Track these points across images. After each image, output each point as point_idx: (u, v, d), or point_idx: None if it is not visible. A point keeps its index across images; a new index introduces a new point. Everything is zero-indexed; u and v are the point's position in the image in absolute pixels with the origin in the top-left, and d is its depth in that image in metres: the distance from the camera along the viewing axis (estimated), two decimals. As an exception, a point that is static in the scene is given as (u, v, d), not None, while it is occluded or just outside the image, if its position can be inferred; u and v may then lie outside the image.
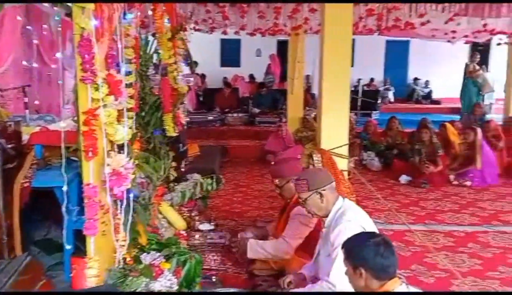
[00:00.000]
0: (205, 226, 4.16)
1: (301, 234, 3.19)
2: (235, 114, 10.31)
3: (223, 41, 15.48)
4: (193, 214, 4.28)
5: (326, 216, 2.69)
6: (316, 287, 2.52)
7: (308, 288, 2.60)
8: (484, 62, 13.07)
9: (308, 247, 3.10)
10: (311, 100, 11.65)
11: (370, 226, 2.59)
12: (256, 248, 3.32)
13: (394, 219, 4.93)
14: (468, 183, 6.40)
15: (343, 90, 4.46)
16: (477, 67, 10.89)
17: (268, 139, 8.12)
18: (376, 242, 1.90)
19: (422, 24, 7.30)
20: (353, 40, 5.33)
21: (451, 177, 6.54)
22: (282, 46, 13.49)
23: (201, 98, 11.48)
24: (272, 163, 3.39)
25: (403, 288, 1.92)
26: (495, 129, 7.39)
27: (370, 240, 1.92)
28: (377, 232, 2.40)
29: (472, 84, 10.39)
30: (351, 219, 2.55)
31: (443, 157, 6.63)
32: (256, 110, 10.61)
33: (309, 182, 2.66)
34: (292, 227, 3.20)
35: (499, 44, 8.50)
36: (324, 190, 2.65)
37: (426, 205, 5.51)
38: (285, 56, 9.53)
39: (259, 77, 14.09)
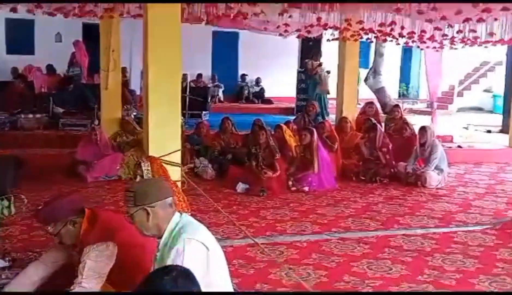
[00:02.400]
0: (-2, 263, 3.68)
1: (101, 272, 2.98)
2: (30, 116, 9.56)
3: (9, 22, 14.12)
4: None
5: (160, 237, 2.61)
6: None
7: None
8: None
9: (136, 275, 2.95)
10: (130, 97, 11.40)
11: (212, 243, 2.59)
12: None
13: (234, 233, 5.07)
14: (306, 188, 6.94)
15: (173, 85, 4.47)
16: (315, 63, 12.04)
17: (78, 147, 7.67)
18: (173, 277, 1.91)
19: (255, 14, 7.69)
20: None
21: (290, 183, 7.02)
22: (89, 31, 12.90)
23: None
24: (39, 207, 3.10)
25: None
26: (330, 130, 8.20)
27: (165, 277, 1.93)
28: (218, 248, 2.44)
29: (312, 83, 11.42)
30: (190, 236, 2.52)
31: (280, 161, 7.09)
32: (60, 110, 10.00)
33: (136, 196, 2.60)
34: (89, 267, 2.97)
35: (329, 40, 9.44)
36: (152, 207, 2.59)
37: (266, 214, 5.81)
38: (94, 43, 9.10)
39: (60, 69, 13.22)
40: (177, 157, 4.54)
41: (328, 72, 12.12)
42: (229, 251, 4.51)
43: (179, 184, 4.42)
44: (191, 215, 4.11)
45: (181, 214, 2.69)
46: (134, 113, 10.07)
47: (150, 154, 4.34)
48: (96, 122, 8.46)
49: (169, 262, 2.47)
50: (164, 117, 4.42)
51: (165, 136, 4.42)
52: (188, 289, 1.88)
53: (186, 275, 1.93)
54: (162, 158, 4.25)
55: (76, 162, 7.41)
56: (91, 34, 11.72)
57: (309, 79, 12.72)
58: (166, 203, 2.65)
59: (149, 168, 3.85)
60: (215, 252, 2.56)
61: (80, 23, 13.49)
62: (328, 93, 12.02)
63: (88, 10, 7.53)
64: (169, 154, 4.33)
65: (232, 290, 2.78)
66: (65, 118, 9.68)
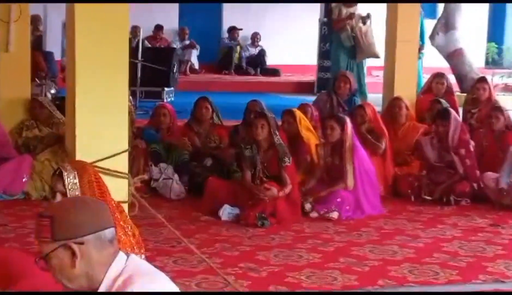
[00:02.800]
0: None
1: None
2: None
3: None
4: None
5: (94, 289, 2.63)
6: None
7: None
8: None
9: None
10: (45, 65, 11.40)
11: None
12: None
13: (215, 285, 5.11)
14: (335, 215, 6.94)
15: (118, 47, 4.52)
16: (348, 12, 11.94)
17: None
18: None
19: None
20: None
21: (307, 205, 7.01)
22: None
23: None
24: None
25: None
26: (374, 119, 8.20)
27: None
28: None
29: (339, 44, 11.34)
30: (143, 289, 2.55)
31: (291, 170, 7.07)
32: None
33: (55, 225, 2.58)
34: None
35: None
36: (81, 244, 2.59)
37: (269, 258, 5.81)
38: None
39: None
40: (123, 163, 4.54)
41: (365, 19, 12.01)
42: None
43: (125, 207, 4.40)
44: (145, 258, 4.15)
45: (127, 256, 2.70)
46: (53, 91, 10.08)
47: (78, 157, 4.32)
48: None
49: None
50: (100, 98, 4.43)
51: (102, 128, 4.42)
52: None
53: None
54: (98, 164, 4.24)
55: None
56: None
57: (334, 37, 12.63)
58: (104, 237, 2.65)
59: (76, 181, 3.83)
60: None
61: None
62: (377, 57, 12.01)
63: None
64: (109, 157, 4.33)
65: None
66: None
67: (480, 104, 9.08)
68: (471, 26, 14.97)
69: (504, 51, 20.01)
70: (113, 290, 2.61)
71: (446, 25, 13.92)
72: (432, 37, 14.04)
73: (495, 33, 20.18)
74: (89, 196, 3.83)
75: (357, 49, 11.99)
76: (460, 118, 8.28)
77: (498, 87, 14.08)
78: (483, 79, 9.84)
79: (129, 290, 2.57)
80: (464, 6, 14.02)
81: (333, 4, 12.62)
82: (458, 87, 12.95)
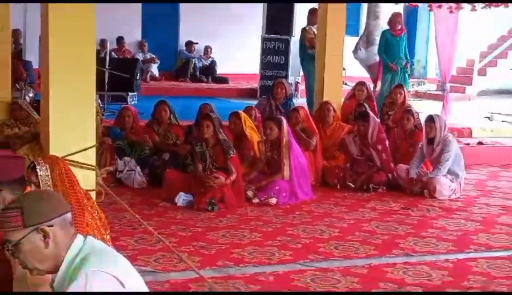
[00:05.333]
0: None
1: None
2: None
3: None
4: None
5: (56, 271, 2.58)
6: None
7: None
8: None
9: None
10: (24, 73, 11.25)
11: (131, 278, 2.57)
12: None
13: (171, 263, 5.06)
14: (274, 200, 6.98)
15: (86, 56, 4.49)
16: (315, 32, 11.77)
17: None
18: None
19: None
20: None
21: (250, 193, 7.04)
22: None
23: None
24: None
25: None
26: (306, 120, 8.25)
27: None
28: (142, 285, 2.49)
29: (311, 59, 11.21)
30: (96, 267, 2.48)
31: (236, 162, 7.08)
32: None
33: (25, 212, 2.53)
34: None
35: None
36: (51, 226, 2.55)
37: (217, 237, 5.82)
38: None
39: None
40: (91, 157, 4.49)
41: None
42: (165, 288, 4.51)
43: (93, 195, 4.35)
44: (110, 238, 4.12)
45: (85, 237, 2.66)
46: (31, 95, 9.96)
47: (51, 152, 4.27)
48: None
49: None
50: (71, 100, 4.40)
51: (72, 127, 4.38)
52: None
53: None
54: (68, 158, 4.19)
55: None
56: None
57: (306, 54, 12.40)
58: (66, 219, 2.62)
59: (48, 173, 3.77)
60: (127, 281, 2.51)
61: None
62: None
63: None
64: (79, 152, 4.29)
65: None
66: None
67: (395, 108, 9.18)
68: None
69: (415, 63, 20.30)
70: (71, 268, 2.56)
71: (367, 41, 13.99)
72: (355, 51, 14.10)
73: (408, 48, 20.42)
74: (46, 189, 3.79)
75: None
76: (378, 120, 8.36)
77: (410, 93, 14.25)
78: (399, 86, 9.95)
79: (84, 267, 2.51)
80: (382, 22, 14.11)
81: (306, 27, 12.52)
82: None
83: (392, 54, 11.22)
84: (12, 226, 2.53)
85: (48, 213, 2.57)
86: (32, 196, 2.78)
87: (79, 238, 2.64)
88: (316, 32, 10.98)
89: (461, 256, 5.52)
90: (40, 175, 3.80)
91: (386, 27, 12.43)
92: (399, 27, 11.37)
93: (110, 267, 2.52)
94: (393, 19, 11.55)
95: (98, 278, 2.44)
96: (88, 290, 2.40)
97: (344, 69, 11.94)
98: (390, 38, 11.32)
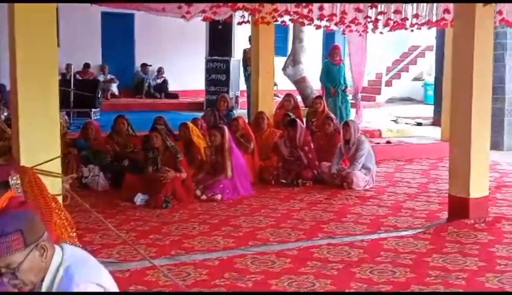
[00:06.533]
0: None
1: None
2: None
3: None
4: None
5: (42, 280, 2.39)
6: None
7: None
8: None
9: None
10: None
11: (107, 280, 2.45)
12: None
13: (130, 254, 4.98)
14: (219, 197, 6.95)
15: (49, 78, 4.39)
16: None
17: None
18: None
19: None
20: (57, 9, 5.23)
21: (198, 191, 7.00)
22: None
23: None
24: None
25: None
26: (244, 127, 8.25)
27: None
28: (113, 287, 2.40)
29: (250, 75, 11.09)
30: (85, 279, 2.34)
31: (185, 165, 7.03)
32: None
33: (25, 232, 2.33)
34: None
35: (239, 23, 9.45)
36: (43, 241, 2.38)
37: (171, 230, 5.76)
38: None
39: None
40: (57, 166, 4.37)
41: None
42: (125, 276, 4.44)
43: (60, 198, 4.24)
44: (76, 235, 4.03)
45: (61, 247, 2.47)
46: (5, 114, 9.64)
47: (22, 163, 4.15)
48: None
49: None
50: (38, 116, 4.28)
51: (39, 141, 4.27)
52: None
53: None
54: (37, 168, 4.06)
55: None
56: None
57: (247, 71, 12.40)
58: (47, 233, 2.44)
59: (19, 181, 3.66)
60: (111, 287, 2.43)
61: None
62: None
63: None
64: (46, 162, 4.16)
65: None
66: None
67: (317, 115, 9.27)
68: (311, 60, 15.21)
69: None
70: (57, 279, 2.37)
71: (294, 61, 14.10)
72: (284, 69, 14.21)
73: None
74: (20, 210, 3.61)
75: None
76: (304, 125, 8.43)
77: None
78: (319, 97, 10.10)
79: (73, 279, 2.33)
80: (306, 44, 14.21)
81: (247, 48, 12.46)
82: (303, 104, 13.17)
83: (333, 80, 11.00)
84: (14, 249, 2.31)
85: (42, 228, 2.42)
86: (22, 216, 2.49)
87: (57, 248, 2.45)
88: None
89: (374, 236, 5.61)
90: (12, 183, 3.70)
91: (308, 48, 12.55)
92: (338, 57, 11.25)
93: (94, 276, 2.39)
94: (332, 51, 11.34)
95: (90, 290, 2.31)
96: None
97: (275, 84, 12.06)
98: (331, 66, 11.13)
